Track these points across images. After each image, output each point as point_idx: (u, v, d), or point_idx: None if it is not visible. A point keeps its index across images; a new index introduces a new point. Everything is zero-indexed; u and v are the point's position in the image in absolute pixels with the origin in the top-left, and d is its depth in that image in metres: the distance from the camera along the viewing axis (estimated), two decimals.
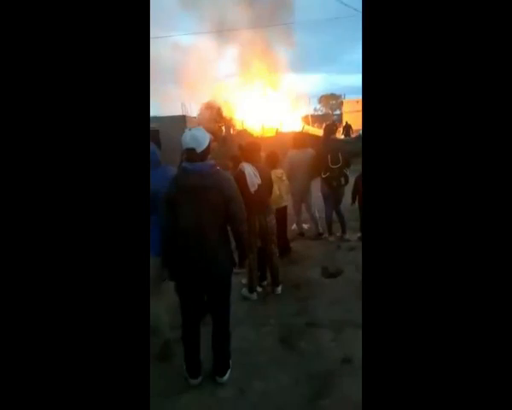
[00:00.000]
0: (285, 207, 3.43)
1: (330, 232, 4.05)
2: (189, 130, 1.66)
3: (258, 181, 2.55)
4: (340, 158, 3.66)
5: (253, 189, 2.53)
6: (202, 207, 1.62)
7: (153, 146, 2.75)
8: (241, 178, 2.54)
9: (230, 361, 1.95)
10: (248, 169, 2.56)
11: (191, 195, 1.61)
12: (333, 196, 3.87)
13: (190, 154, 1.63)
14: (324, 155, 3.71)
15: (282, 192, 3.25)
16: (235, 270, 1.85)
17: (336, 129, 4.01)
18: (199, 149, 1.61)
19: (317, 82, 58.33)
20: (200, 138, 1.62)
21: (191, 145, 1.60)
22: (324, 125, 4.62)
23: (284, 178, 3.38)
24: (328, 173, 3.71)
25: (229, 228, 1.79)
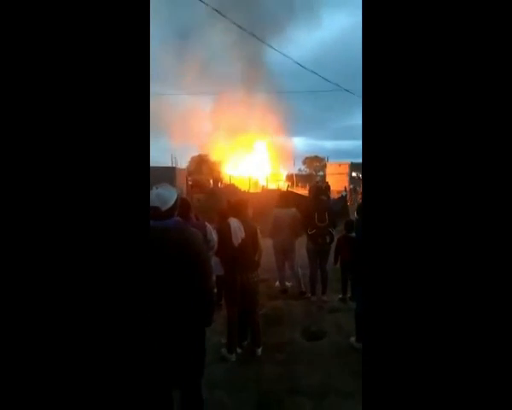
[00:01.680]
0: None
1: (314, 292, 4.04)
2: (156, 188, 1.65)
3: (242, 235, 2.61)
4: (327, 217, 3.83)
5: (236, 242, 2.57)
6: (168, 265, 1.59)
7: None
8: (226, 231, 2.61)
9: None
10: (234, 223, 2.63)
11: (157, 253, 1.56)
12: (317, 254, 3.95)
13: (155, 212, 1.61)
14: (311, 212, 3.87)
15: None
16: (214, 328, 1.77)
17: (324, 189, 4.25)
18: (163, 208, 1.61)
19: (301, 144, 62.48)
20: (164, 197, 1.62)
21: (156, 204, 1.60)
22: (314, 186, 4.88)
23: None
24: (314, 230, 3.83)
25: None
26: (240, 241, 2.59)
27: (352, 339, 2.85)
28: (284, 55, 8.84)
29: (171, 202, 1.64)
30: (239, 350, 2.76)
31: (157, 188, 1.66)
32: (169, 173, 11.33)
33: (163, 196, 1.63)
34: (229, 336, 2.68)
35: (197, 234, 1.72)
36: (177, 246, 1.60)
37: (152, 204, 1.62)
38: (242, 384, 2.34)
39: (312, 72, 9.42)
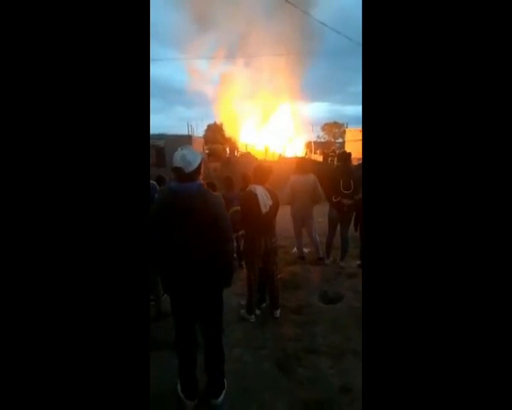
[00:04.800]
0: None
1: (328, 255, 4.08)
2: (181, 149, 1.66)
3: (269, 203, 2.58)
4: (352, 184, 3.73)
5: (264, 210, 2.55)
6: (189, 227, 1.61)
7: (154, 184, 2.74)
8: (252, 199, 2.57)
9: (225, 381, 1.91)
10: (260, 191, 2.59)
11: (178, 216, 1.60)
12: (340, 221, 3.91)
13: (178, 173, 1.62)
14: (337, 180, 3.78)
15: None
16: (233, 290, 1.83)
17: (350, 156, 4.11)
18: (187, 170, 1.60)
19: (320, 110, 60.13)
20: (189, 159, 1.61)
21: (180, 165, 1.60)
22: (340, 152, 4.73)
23: None
24: (339, 198, 3.77)
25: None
26: (268, 209, 2.57)
27: None
28: (305, 12, 8.20)
29: (195, 165, 1.64)
30: (258, 312, 2.85)
31: (182, 149, 1.66)
32: (185, 142, 11.31)
33: (187, 157, 1.62)
34: (249, 298, 2.75)
35: (218, 198, 1.72)
36: (199, 210, 1.61)
37: (176, 165, 1.62)
38: (261, 343, 2.43)
39: (335, 31, 8.75)
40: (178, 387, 1.88)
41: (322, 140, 35.26)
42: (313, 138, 24.75)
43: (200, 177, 1.71)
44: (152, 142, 11.34)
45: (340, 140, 31.16)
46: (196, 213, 1.61)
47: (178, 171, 1.62)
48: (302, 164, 4.24)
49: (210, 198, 1.68)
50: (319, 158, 15.79)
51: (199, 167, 1.66)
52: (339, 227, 3.98)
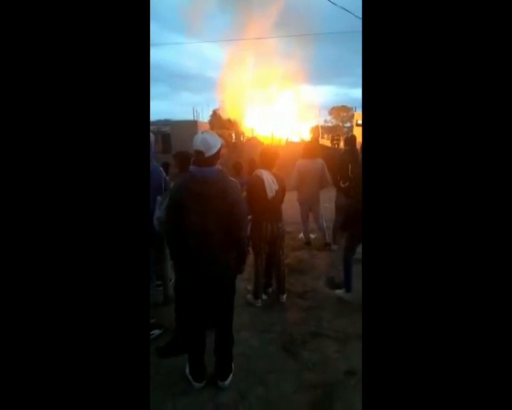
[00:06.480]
0: None
1: (335, 241, 4.06)
2: (202, 133, 1.66)
3: (276, 187, 2.56)
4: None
5: (271, 195, 2.54)
6: (207, 212, 1.62)
7: (158, 169, 2.66)
8: (258, 183, 2.55)
9: (233, 365, 1.95)
10: (266, 176, 2.57)
11: (197, 200, 1.61)
12: (348, 207, 3.86)
13: (199, 156, 1.63)
14: (345, 164, 3.71)
15: None
16: (240, 275, 1.86)
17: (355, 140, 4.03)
18: (207, 154, 1.60)
19: (328, 93, 58.76)
20: (210, 143, 1.61)
21: (200, 148, 1.60)
22: (349, 136, 4.62)
23: None
24: (347, 183, 3.71)
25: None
26: (274, 194, 2.55)
27: None
28: None
29: (215, 149, 1.63)
30: (264, 297, 2.87)
31: (203, 133, 1.66)
32: (191, 128, 11.20)
33: (208, 141, 1.62)
34: (256, 283, 2.77)
35: (236, 185, 1.72)
36: (217, 196, 1.62)
37: (196, 148, 1.62)
38: (267, 327, 2.46)
39: (344, 9, 8.38)
40: (187, 369, 1.92)
41: (330, 124, 34.68)
42: (320, 123, 24.33)
43: (218, 162, 1.70)
44: (158, 128, 11.28)
45: (349, 124, 30.60)
46: (215, 198, 1.62)
47: (199, 154, 1.62)
48: (310, 148, 4.17)
49: (229, 184, 1.68)
50: (326, 143, 15.57)
51: (218, 152, 1.66)
52: None
